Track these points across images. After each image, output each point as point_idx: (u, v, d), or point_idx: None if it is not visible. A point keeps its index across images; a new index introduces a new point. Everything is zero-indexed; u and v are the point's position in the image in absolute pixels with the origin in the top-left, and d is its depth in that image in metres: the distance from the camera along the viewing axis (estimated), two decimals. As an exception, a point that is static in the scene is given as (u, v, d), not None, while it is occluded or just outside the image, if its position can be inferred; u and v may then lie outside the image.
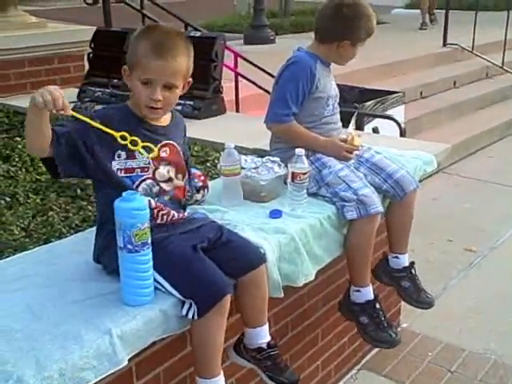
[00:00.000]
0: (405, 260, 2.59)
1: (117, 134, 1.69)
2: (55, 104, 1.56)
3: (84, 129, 1.71)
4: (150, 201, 1.77)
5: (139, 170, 1.82)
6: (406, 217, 2.56)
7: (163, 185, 1.86)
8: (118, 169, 1.79)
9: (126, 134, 1.71)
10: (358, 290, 2.43)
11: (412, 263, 2.61)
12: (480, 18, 8.59)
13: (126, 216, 1.61)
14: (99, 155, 1.75)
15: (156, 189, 1.84)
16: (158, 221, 1.81)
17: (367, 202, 2.30)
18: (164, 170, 1.87)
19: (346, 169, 2.40)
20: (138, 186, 1.81)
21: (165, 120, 1.91)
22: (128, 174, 1.80)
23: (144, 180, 1.82)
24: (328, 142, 2.45)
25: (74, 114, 1.64)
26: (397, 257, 2.59)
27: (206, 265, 1.74)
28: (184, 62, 1.82)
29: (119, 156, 1.79)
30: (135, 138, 1.72)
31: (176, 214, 1.87)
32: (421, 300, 2.59)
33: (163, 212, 1.83)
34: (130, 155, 1.80)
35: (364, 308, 2.42)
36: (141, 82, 1.78)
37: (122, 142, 1.70)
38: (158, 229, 1.76)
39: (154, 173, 1.84)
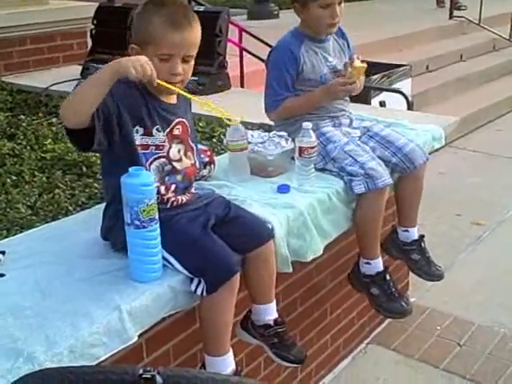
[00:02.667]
0: (414, 233, 2.58)
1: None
2: (146, 78, 1.62)
3: (118, 99, 1.68)
4: (158, 187, 1.75)
5: (154, 147, 1.79)
6: (416, 190, 2.54)
7: (175, 164, 1.83)
8: (137, 144, 1.76)
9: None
10: (368, 263, 2.42)
11: (422, 236, 2.59)
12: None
13: (132, 192, 1.60)
14: (127, 128, 1.72)
15: (168, 168, 1.82)
16: (168, 206, 1.79)
17: (375, 175, 2.27)
18: (175, 149, 1.84)
19: (351, 143, 2.37)
20: (150, 164, 1.78)
21: (174, 97, 1.88)
22: (143, 151, 1.77)
23: (157, 158, 1.80)
24: (322, 91, 2.40)
25: (160, 82, 1.69)
26: (406, 230, 2.57)
27: (215, 242, 1.73)
28: (198, 31, 1.80)
29: (137, 131, 1.76)
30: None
31: (184, 199, 1.85)
32: (431, 272, 2.58)
33: (173, 199, 1.81)
34: (147, 132, 1.78)
35: (374, 280, 2.42)
36: (158, 58, 1.74)
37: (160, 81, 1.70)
38: (166, 208, 1.75)
39: (168, 151, 1.81)
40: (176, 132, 1.85)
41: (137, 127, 1.76)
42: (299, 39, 2.40)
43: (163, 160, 1.81)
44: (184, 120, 1.89)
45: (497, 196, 4.50)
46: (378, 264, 2.41)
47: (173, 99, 1.87)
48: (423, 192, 2.60)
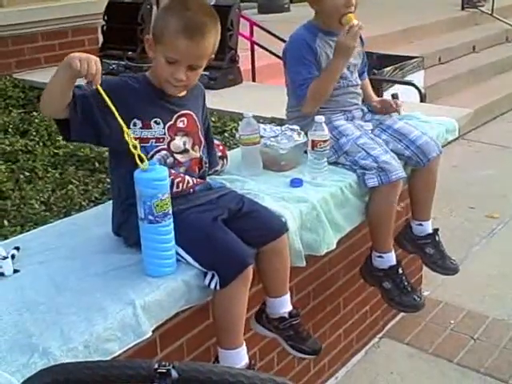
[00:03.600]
0: (428, 227, 2.56)
1: (125, 129, 1.63)
2: (88, 75, 1.56)
3: (96, 94, 1.66)
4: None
5: (154, 140, 1.79)
6: (429, 183, 2.53)
7: (178, 156, 1.84)
8: (132, 137, 1.75)
9: (131, 135, 1.64)
10: (381, 256, 2.41)
11: (436, 230, 2.58)
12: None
13: (146, 187, 1.59)
14: (114, 122, 1.68)
15: (170, 160, 1.82)
16: (174, 189, 1.78)
17: (388, 168, 2.26)
18: (180, 142, 1.84)
19: (364, 136, 2.36)
20: (152, 157, 1.78)
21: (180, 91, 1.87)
22: (142, 144, 1.75)
23: (158, 151, 1.80)
24: (336, 53, 2.32)
25: (100, 88, 1.61)
26: (420, 224, 2.56)
27: (227, 236, 1.73)
28: (212, 43, 1.78)
29: (135, 124, 1.76)
30: (136, 143, 1.63)
31: (191, 181, 1.85)
32: (446, 266, 2.57)
33: (178, 179, 1.81)
34: (146, 124, 1.78)
35: (387, 273, 2.41)
36: (165, 59, 1.74)
37: (126, 137, 1.63)
38: (177, 200, 1.73)
39: (168, 144, 1.82)
40: (180, 125, 1.84)
41: (134, 120, 1.76)
42: (313, 32, 2.38)
43: (165, 152, 1.81)
44: (191, 113, 1.88)
45: (510, 189, 4.46)
46: (390, 258, 2.40)
47: (181, 93, 1.86)
48: (436, 185, 2.59)
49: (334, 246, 2.21)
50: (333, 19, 2.35)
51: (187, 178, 1.84)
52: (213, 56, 1.84)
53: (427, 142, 2.44)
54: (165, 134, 1.81)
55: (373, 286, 2.54)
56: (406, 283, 2.40)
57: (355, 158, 2.32)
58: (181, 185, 1.82)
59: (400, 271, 2.40)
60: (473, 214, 4.12)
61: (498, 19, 8.22)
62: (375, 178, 2.26)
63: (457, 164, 4.86)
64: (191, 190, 1.85)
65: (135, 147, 1.61)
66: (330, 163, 2.33)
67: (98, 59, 1.60)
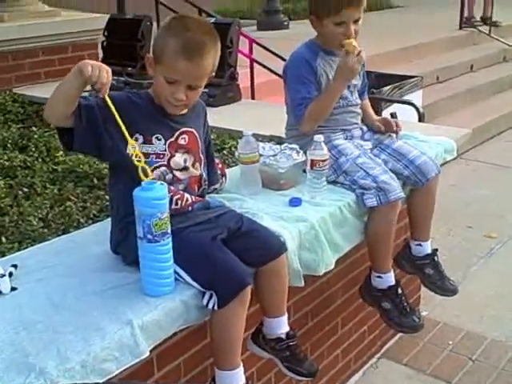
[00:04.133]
0: (428, 247, 2.56)
1: (131, 141, 1.65)
2: (98, 83, 1.56)
3: (103, 106, 1.67)
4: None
5: (154, 155, 1.80)
6: (428, 203, 2.53)
7: (177, 173, 1.84)
8: (131, 154, 1.73)
9: (136, 145, 1.66)
10: (380, 276, 2.40)
11: (435, 250, 2.57)
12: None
13: (145, 206, 1.59)
14: (117, 135, 1.70)
15: (169, 177, 1.82)
16: (173, 206, 1.78)
17: (387, 188, 2.26)
18: (181, 159, 1.85)
19: (363, 155, 2.36)
20: (152, 172, 1.77)
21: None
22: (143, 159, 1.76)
23: (158, 167, 1.80)
24: (337, 75, 2.32)
25: (107, 98, 1.62)
26: (419, 244, 2.56)
27: (226, 255, 1.72)
28: (211, 62, 1.79)
29: (136, 139, 1.76)
30: (140, 155, 1.64)
31: (190, 199, 1.84)
32: (445, 287, 2.56)
33: (177, 197, 1.81)
34: (147, 140, 1.79)
35: (386, 294, 2.40)
36: (165, 78, 1.75)
37: (130, 149, 1.65)
38: (176, 219, 1.73)
39: (168, 160, 1.82)
40: (181, 142, 1.85)
41: (136, 135, 1.76)
42: (314, 51, 2.39)
43: (164, 169, 1.81)
44: (192, 130, 1.89)
45: (508, 208, 4.47)
46: (389, 278, 2.39)
47: (180, 110, 1.86)
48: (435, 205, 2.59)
49: (333, 266, 2.20)
50: (333, 43, 2.36)
51: (186, 195, 1.84)
52: (213, 74, 1.85)
53: (426, 161, 2.44)
54: (165, 150, 1.81)
55: (372, 307, 2.53)
56: (405, 304, 2.39)
57: (354, 178, 2.32)
58: (179, 202, 1.82)
59: (399, 291, 2.39)
60: (471, 234, 4.12)
61: (496, 39, 8.28)
62: (374, 198, 2.26)
63: (454, 183, 4.87)
64: (190, 207, 1.85)
65: (139, 160, 1.61)
66: (329, 182, 2.33)
67: (109, 69, 1.61)
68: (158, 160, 1.80)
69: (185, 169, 1.86)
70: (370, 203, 2.27)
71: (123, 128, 1.63)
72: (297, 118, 2.40)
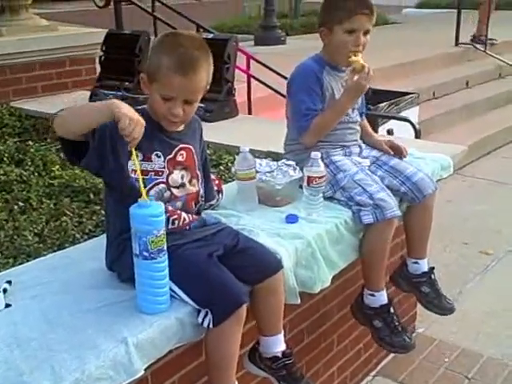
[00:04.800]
0: (424, 265, 2.55)
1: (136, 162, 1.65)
2: (130, 137, 1.57)
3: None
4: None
5: (153, 173, 1.80)
6: (425, 220, 2.52)
7: (175, 190, 1.84)
8: (132, 169, 1.74)
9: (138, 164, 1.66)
10: (373, 295, 2.39)
11: (432, 268, 2.56)
12: (492, 16, 8.55)
13: (142, 223, 1.59)
14: (120, 153, 1.71)
15: (167, 194, 1.82)
16: (170, 225, 1.78)
17: (383, 205, 2.26)
18: (178, 176, 1.85)
19: (361, 172, 2.36)
20: (149, 190, 1.78)
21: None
22: (142, 177, 1.76)
23: (157, 184, 1.80)
24: (346, 92, 2.34)
25: (134, 152, 1.62)
26: (416, 262, 2.55)
27: (222, 273, 1.72)
28: (205, 76, 1.80)
29: (137, 156, 1.75)
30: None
31: (187, 218, 1.84)
32: (441, 306, 2.55)
33: (174, 217, 1.81)
34: (147, 157, 1.79)
35: (378, 312, 2.39)
36: (160, 96, 1.76)
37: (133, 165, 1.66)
38: (172, 236, 1.73)
39: (167, 177, 1.82)
40: (179, 158, 1.85)
41: (136, 152, 1.74)
42: (321, 65, 2.39)
43: (162, 186, 1.81)
44: (190, 147, 1.89)
45: (504, 224, 4.47)
46: (382, 296, 2.38)
47: (177, 127, 1.87)
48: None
49: (329, 283, 2.19)
50: (340, 54, 2.35)
51: (183, 215, 1.84)
52: (208, 88, 1.85)
53: (423, 178, 2.45)
54: (164, 167, 1.82)
55: (363, 325, 2.51)
56: (396, 323, 2.37)
57: (351, 194, 2.32)
58: (176, 222, 1.82)
59: (391, 310, 2.38)
60: (467, 250, 4.12)
61: (491, 56, 8.33)
62: (370, 215, 2.26)
63: (451, 199, 4.87)
64: (187, 227, 1.85)
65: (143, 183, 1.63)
66: (325, 198, 2.33)
67: (143, 123, 1.60)
68: (156, 177, 1.80)
69: (182, 186, 1.86)
70: (367, 220, 2.27)
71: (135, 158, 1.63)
72: (300, 129, 2.40)
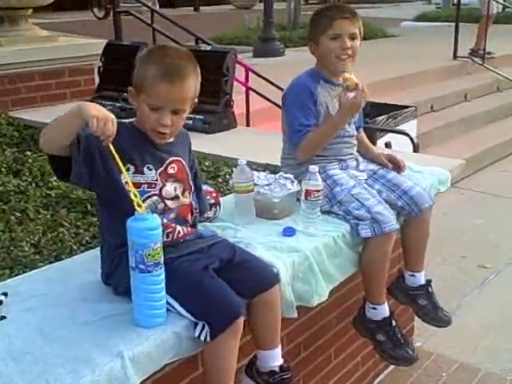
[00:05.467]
0: (421, 278, 2.55)
1: (124, 173, 1.65)
2: (103, 135, 1.57)
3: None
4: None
5: (146, 185, 1.79)
6: (422, 234, 2.52)
7: (168, 202, 1.83)
8: (125, 182, 1.72)
9: (128, 177, 1.66)
10: (374, 308, 2.38)
11: (429, 281, 2.56)
12: (490, 30, 8.59)
13: (138, 236, 1.58)
14: (111, 166, 1.69)
15: (161, 206, 1.81)
16: (164, 238, 1.76)
17: (381, 219, 2.25)
18: (171, 188, 1.84)
19: (358, 186, 2.36)
20: (143, 202, 1.75)
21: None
22: (134, 189, 1.75)
23: (150, 196, 1.79)
24: (339, 113, 2.33)
25: (111, 148, 1.61)
26: (413, 275, 2.55)
27: (219, 286, 1.71)
28: (192, 86, 1.80)
29: (128, 169, 1.75)
30: (135, 192, 1.64)
31: (182, 231, 1.84)
32: (438, 318, 2.54)
33: (169, 230, 1.80)
34: (139, 170, 1.78)
35: (380, 325, 2.38)
36: (148, 106, 1.76)
37: (125, 178, 1.66)
38: (168, 249, 1.71)
39: (160, 189, 1.81)
40: (171, 171, 1.85)
41: (128, 165, 1.75)
42: (315, 79, 2.40)
43: (156, 198, 1.80)
44: (180, 159, 1.89)
45: (502, 238, 4.47)
46: (384, 310, 2.38)
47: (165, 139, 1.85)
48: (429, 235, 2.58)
49: (326, 297, 2.19)
50: (330, 63, 2.37)
51: (178, 228, 1.83)
52: (196, 100, 1.85)
53: (420, 192, 2.44)
54: (157, 179, 1.81)
55: (365, 338, 2.51)
56: (399, 335, 2.37)
57: (349, 208, 2.31)
58: (171, 235, 1.81)
59: (393, 323, 2.38)
60: (465, 264, 4.11)
61: (489, 69, 8.37)
62: (368, 229, 2.25)
63: (449, 212, 4.87)
64: (182, 239, 1.84)
65: (135, 195, 1.61)
66: (322, 212, 2.32)
67: (114, 119, 1.60)
68: (149, 190, 1.79)
69: (176, 197, 1.85)
70: (365, 234, 2.26)
71: (120, 165, 1.62)
72: (293, 145, 2.41)
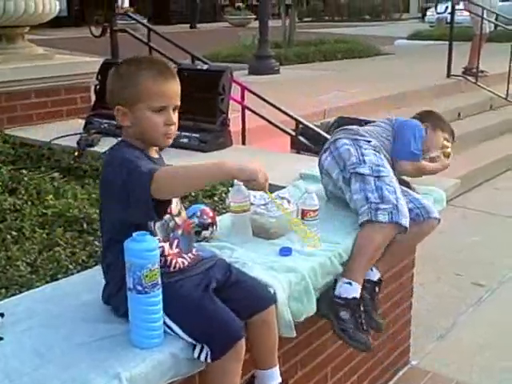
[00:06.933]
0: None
1: None
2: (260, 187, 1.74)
3: None
4: (163, 247, 1.74)
5: None
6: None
7: (177, 219, 1.83)
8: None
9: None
10: (350, 283, 2.30)
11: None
12: (483, 49, 8.68)
13: (136, 257, 1.59)
14: None
15: (172, 223, 1.81)
16: (171, 269, 1.77)
17: (402, 211, 2.35)
18: (176, 204, 1.84)
19: (396, 180, 2.50)
20: (156, 222, 1.76)
21: (155, 152, 1.87)
22: None
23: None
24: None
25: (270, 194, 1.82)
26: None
27: (219, 308, 1.71)
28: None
29: None
30: None
31: (186, 262, 1.83)
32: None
33: (174, 260, 1.79)
34: None
35: (348, 303, 2.30)
36: (153, 110, 1.75)
37: None
38: (168, 273, 1.73)
39: (170, 207, 1.81)
40: None
41: None
42: None
43: (168, 216, 1.79)
44: None
45: (497, 256, 4.48)
46: (357, 289, 2.32)
47: (156, 154, 1.86)
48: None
49: (315, 311, 2.17)
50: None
51: (181, 260, 1.82)
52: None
53: (428, 204, 2.57)
54: None
55: (323, 317, 2.36)
56: (363, 321, 2.33)
57: (382, 188, 2.39)
58: (177, 265, 1.80)
59: (361, 308, 2.34)
60: (460, 281, 4.12)
61: (482, 87, 8.44)
62: (387, 215, 2.32)
63: (443, 230, 4.85)
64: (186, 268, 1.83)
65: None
66: (345, 178, 2.49)
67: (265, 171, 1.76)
68: None
69: (179, 214, 1.85)
70: (382, 218, 2.32)
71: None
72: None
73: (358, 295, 2.33)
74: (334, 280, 2.35)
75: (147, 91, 1.74)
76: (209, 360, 1.67)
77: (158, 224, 1.76)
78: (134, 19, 7.23)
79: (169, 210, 1.80)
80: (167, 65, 1.87)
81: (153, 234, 1.72)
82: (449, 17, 10.00)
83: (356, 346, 2.36)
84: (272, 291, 1.93)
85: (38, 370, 1.54)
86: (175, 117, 1.80)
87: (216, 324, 1.67)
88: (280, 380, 1.94)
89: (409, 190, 2.59)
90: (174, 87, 1.79)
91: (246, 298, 1.83)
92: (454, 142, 3.10)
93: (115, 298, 1.79)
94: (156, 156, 1.85)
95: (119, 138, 1.87)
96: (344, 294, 2.31)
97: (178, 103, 1.81)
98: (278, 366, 1.94)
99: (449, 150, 2.89)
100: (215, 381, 1.72)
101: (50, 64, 4.78)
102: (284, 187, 2.89)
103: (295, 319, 2.09)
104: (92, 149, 3.82)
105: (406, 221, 2.35)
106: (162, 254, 1.74)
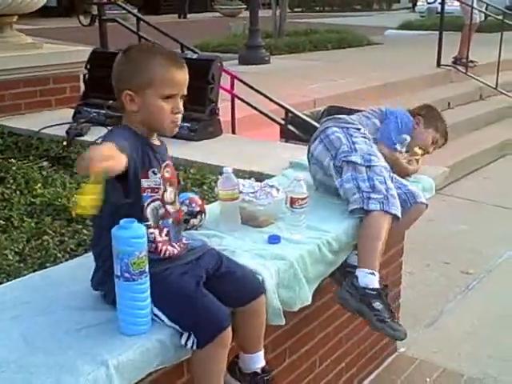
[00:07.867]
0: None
1: None
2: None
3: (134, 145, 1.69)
4: (153, 233, 1.74)
5: (149, 190, 1.75)
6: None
7: (169, 207, 1.82)
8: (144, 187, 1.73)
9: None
10: (373, 273, 2.29)
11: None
12: (473, 39, 8.69)
13: (123, 244, 1.59)
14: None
15: (162, 211, 1.79)
16: (160, 256, 1.77)
17: (392, 201, 2.38)
18: (172, 192, 1.83)
19: (387, 167, 2.53)
20: (146, 207, 1.74)
21: (157, 140, 1.86)
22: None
23: (153, 201, 1.76)
24: None
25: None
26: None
27: (206, 297, 1.72)
28: None
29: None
30: None
31: (176, 251, 1.82)
32: None
33: (164, 248, 1.78)
34: (144, 175, 1.73)
35: (380, 293, 2.29)
36: (162, 97, 1.74)
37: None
38: (156, 261, 1.72)
39: (163, 194, 1.79)
40: (167, 174, 1.82)
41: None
42: None
43: (158, 203, 1.78)
44: (170, 162, 1.87)
45: (485, 244, 4.52)
46: (378, 278, 2.31)
47: (158, 141, 1.85)
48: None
49: (310, 302, 2.19)
50: None
51: (172, 249, 1.81)
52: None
53: (416, 190, 2.61)
54: (160, 184, 1.77)
55: (354, 313, 2.35)
56: (392, 309, 2.33)
57: (373, 178, 2.42)
58: (167, 253, 1.79)
59: (386, 293, 2.34)
60: (448, 269, 4.15)
61: (472, 77, 8.45)
62: (378, 204, 2.35)
63: (432, 218, 4.89)
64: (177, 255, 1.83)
65: None
66: (335, 167, 2.51)
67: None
68: (152, 194, 1.75)
69: (174, 202, 1.84)
70: (373, 207, 2.35)
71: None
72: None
73: (380, 285, 2.33)
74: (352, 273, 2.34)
75: (160, 78, 1.73)
76: (195, 347, 1.67)
77: (148, 209, 1.75)
78: (124, 8, 7.20)
79: (160, 197, 1.79)
80: (177, 54, 1.88)
81: (143, 218, 1.71)
82: (439, 7, 10.00)
83: (397, 335, 2.33)
84: (260, 278, 1.94)
85: (26, 357, 1.54)
86: (182, 105, 1.79)
87: (202, 313, 1.67)
88: (264, 363, 1.96)
89: (397, 176, 2.62)
90: (185, 76, 1.79)
91: (236, 289, 1.84)
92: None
93: (104, 285, 1.78)
94: (158, 143, 1.84)
95: (109, 127, 1.86)
96: (371, 284, 2.30)
97: (186, 92, 1.80)
98: (262, 351, 1.96)
99: (418, 157, 2.92)
100: (201, 367, 1.73)
101: (38, 53, 4.75)
102: (273, 176, 2.90)
103: (288, 308, 2.10)
104: (81, 138, 3.82)
105: (396, 209, 2.38)
106: (154, 241, 1.74)
